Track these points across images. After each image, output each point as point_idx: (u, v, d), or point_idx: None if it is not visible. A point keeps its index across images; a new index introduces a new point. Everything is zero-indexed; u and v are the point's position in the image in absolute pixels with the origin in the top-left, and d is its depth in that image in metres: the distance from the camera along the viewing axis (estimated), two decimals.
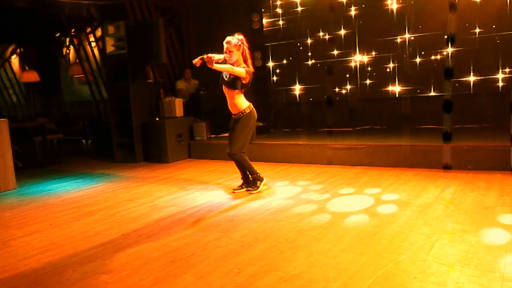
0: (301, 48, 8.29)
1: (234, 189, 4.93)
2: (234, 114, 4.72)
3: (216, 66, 4.35)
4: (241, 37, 4.58)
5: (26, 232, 3.90)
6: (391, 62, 7.43)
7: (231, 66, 4.47)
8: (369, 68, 7.68)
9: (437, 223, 3.43)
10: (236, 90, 4.59)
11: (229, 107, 4.72)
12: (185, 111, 7.76)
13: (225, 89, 4.70)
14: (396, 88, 7.46)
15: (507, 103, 5.50)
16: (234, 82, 4.55)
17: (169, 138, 7.31)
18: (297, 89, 8.48)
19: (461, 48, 6.76)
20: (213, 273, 2.75)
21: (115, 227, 3.87)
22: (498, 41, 6.55)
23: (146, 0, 8.55)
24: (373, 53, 7.60)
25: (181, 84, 8.61)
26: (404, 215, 3.67)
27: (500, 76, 6.61)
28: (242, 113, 4.67)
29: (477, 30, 6.67)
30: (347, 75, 7.87)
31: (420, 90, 7.19)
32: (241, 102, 4.67)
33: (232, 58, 4.54)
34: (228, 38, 4.55)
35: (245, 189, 4.89)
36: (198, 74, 8.67)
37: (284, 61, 8.52)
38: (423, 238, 3.10)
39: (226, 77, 4.63)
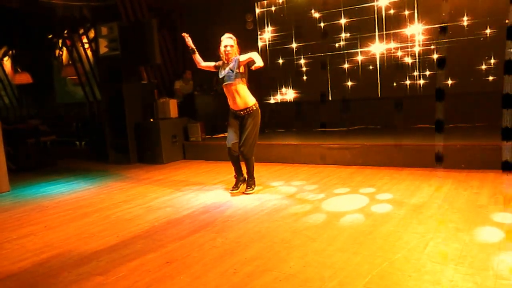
0: (294, 46, 8.30)
1: (230, 190, 4.92)
2: (243, 110, 4.66)
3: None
4: None
5: (20, 235, 3.88)
6: (385, 61, 7.45)
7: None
8: (361, 67, 7.69)
9: (431, 222, 3.46)
10: (243, 82, 4.59)
11: (237, 103, 4.62)
12: (179, 112, 7.75)
13: (230, 86, 4.60)
14: (389, 88, 7.47)
15: (499, 101, 5.54)
16: (239, 73, 4.54)
17: (163, 139, 7.28)
18: (291, 88, 8.48)
19: (449, 43, 6.79)
20: (209, 274, 2.75)
21: (110, 229, 3.86)
22: (482, 39, 6.60)
23: (139, 1, 8.52)
24: (367, 51, 7.61)
25: (177, 84, 8.63)
26: (399, 214, 3.69)
27: (490, 75, 6.66)
28: (253, 108, 4.68)
29: (468, 27, 6.72)
30: (341, 75, 7.89)
31: (413, 89, 7.22)
32: (250, 96, 4.68)
33: (233, 51, 4.59)
34: (229, 34, 4.65)
35: (239, 189, 4.89)
36: (193, 75, 8.67)
37: (279, 61, 8.51)
38: (417, 237, 3.12)
39: (233, 71, 4.54)
